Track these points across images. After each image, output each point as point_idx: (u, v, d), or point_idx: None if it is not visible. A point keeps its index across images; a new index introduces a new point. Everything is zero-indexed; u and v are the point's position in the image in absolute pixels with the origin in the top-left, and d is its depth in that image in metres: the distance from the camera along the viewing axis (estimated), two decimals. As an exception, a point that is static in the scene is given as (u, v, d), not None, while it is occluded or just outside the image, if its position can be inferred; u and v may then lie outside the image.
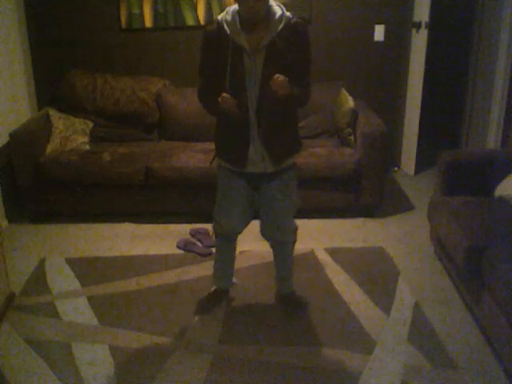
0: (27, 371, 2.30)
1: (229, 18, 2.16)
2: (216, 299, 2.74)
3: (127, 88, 4.06)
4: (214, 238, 3.13)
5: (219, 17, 2.21)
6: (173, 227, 3.62)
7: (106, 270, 3.12)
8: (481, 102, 4.21)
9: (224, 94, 2.16)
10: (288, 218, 2.52)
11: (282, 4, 2.13)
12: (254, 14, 2.10)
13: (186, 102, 3.94)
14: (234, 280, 2.82)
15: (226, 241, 2.63)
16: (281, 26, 2.14)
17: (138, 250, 3.37)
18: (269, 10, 2.15)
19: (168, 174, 3.58)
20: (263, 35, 2.14)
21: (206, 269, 3.07)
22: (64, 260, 3.23)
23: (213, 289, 2.77)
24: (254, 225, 3.58)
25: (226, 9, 2.21)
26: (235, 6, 2.17)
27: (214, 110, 2.32)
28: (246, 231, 3.52)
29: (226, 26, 2.16)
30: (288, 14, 2.18)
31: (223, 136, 2.39)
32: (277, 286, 2.78)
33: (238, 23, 2.14)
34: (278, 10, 2.16)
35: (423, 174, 4.53)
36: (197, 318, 2.64)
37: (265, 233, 2.58)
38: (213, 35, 2.19)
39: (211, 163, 2.49)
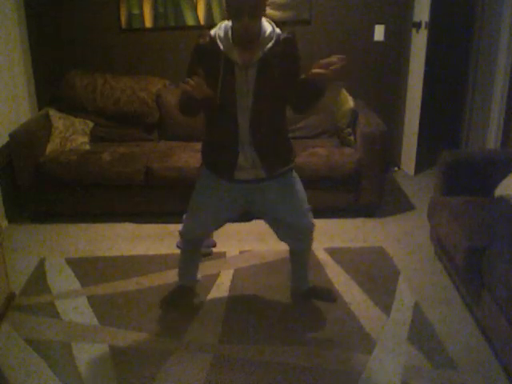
0: (27, 371, 2.30)
1: (221, 33, 2.18)
2: (180, 295, 2.79)
3: (127, 88, 4.06)
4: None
5: (212, 31, 2.22)
6: (173, 227, 3.62)
7: (105, 269, 3.12)
8: (481, 102, 4.22)
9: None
10: (297, 217, 2.49)
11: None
12: (248, 33, 2.11)
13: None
14: (199, 276, 2.85)
15: (190, 243, 2.65)
16: (271, 43, 2.17)
17: (138, 249, 3.37)
18: (260, 27, 2.17)
19: (168, 174, 3.58)
20: (255, 51, 2.16)
21: (205, 269, 3.07)
22: (64, 260, 3.23)
23: (177, 285, 2.81)
24: (254, 225, 3.60)
25: (219, 24, 2.23)
26: (227, 22, 2.19)
27: (193, 107, 2.28)
28: (246, 231, 3.53)
29: (219, 42, 2.17)
30: (278, 30, 2.21)
31: (211, 145, 2.38)
32: (294, 284, 2.81)
33: (230, 39, 2.16)
34: (268, 27, 2.19)
35: (423, 174, 4.53)
36: (161, 311, 2.71)
37: (281, 237, 2.60)
38: (205, 49, 2.21)
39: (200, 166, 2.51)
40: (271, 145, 2.32)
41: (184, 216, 2.57)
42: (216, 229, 2.62)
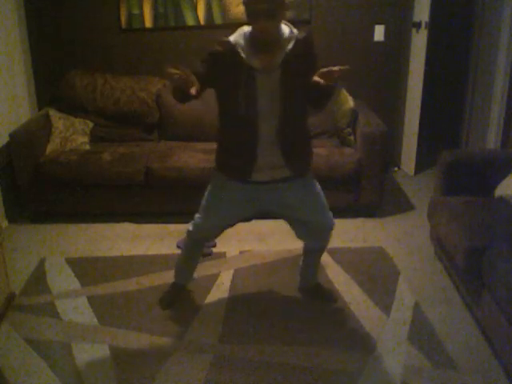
0: (27, 371, 2.30)
1: (242, 40, 2.16)
2: (176, 294, 2.79)
3: (127, 88, 4.06)
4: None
5: (232, 38, 2.18)
6: (173, 227, 3.62)
7: (105, 269, 3.12)
8: (481, 102, 4.22)
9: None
10: (319, 217, 2.49)
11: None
12: (266, 35, 2.10)
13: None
14: (195, 276, 2.86)
15: (196, 243, 2.65)
16: (291, 45, 2.16)
17: (138, 249, 3.37)
18: (279, 30, 2.16)
19: (168, 174, 3.58)
20: (275, 55, 2.15)
21: (205, 269, 3.07)
22: (64, 260, 3.23)
23: (173, 283, 2.81)
24: (254, 225, 3.60)
25: (239, 31, 2.20)
26: (247, 28, 2.17)
27: (182, 94, 2.25)
28: (246, 231, 3.53)
29: (239, 49, 2.14)
30: (295, 30, 2.20)
31: (227, 148, 2.37)
32: (302, 280, 2.83)
33: (250, 44, 2.14)
34: (286, 29, 2.18)
35: (423, 174, 4.53)
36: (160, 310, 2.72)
37: (299, 236, 2.61)
38: (222, 56, 2.17)
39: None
40: (297, 146, 2.33)
41: (196, 215, 2.55)
42: (226, 228, 2.61)
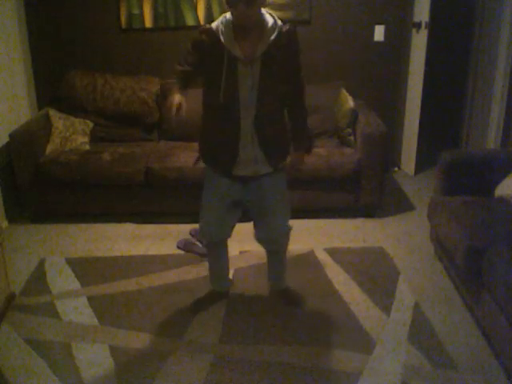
0: (27, 371, 2.30)
1: (223, 27, 2.16)
2: (212, 300, 2.76)
3: (127, 88, 4.06)
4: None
5: (213, 25, 2.19)
6: (173, 227, 3.62)
7: (105, 269, 3.12)
8: (481, 102, 4.21)
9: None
10: (280, 219, 2.50)
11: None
12: (245, 20, 2.10)
13: (186, 101, 3.92)
14: (231, 278, 2.84)
15: (215, 245, 2.63)
16: (274, 35, 2.16)
17: (138, 249, 3.37)
18: (262, 19, 2.16)
19: (168, 174, 3.58)
20: (257, 45, 2.15)
21: (205, 269, 3.06)
22: (64, 260, 3.23)
23: (210, 290, 2.79)
24: (254, 225, 3.59)
25: (221, 18, 2.20)
26: (229, 16, 2.16)
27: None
28: (246, 232, 3.52)
29: (221, 36, 2.15)
30: (279, 22, 2.20)
31: (211, 141, 2.39)
32: (271, 284, 2.82)
33: (231, 33, 2.15)
34: (269, 19, 2.18)
35: (423, 174, 4.53)
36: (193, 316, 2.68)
37: (259, 237, 2.57)
38: (206, 45, 2.18)
39: (195, 164, 2.51)
40: (274, 138, 2.33)
41: (199, 219, 2.55)
42: (231, 226, 2.56)
